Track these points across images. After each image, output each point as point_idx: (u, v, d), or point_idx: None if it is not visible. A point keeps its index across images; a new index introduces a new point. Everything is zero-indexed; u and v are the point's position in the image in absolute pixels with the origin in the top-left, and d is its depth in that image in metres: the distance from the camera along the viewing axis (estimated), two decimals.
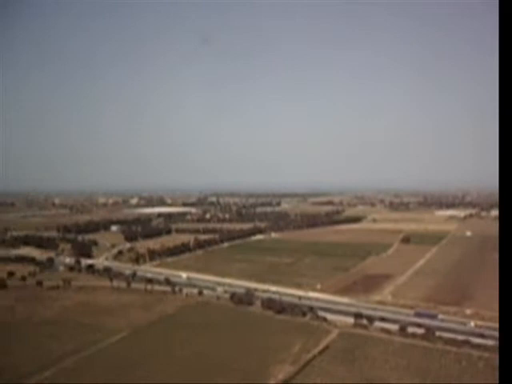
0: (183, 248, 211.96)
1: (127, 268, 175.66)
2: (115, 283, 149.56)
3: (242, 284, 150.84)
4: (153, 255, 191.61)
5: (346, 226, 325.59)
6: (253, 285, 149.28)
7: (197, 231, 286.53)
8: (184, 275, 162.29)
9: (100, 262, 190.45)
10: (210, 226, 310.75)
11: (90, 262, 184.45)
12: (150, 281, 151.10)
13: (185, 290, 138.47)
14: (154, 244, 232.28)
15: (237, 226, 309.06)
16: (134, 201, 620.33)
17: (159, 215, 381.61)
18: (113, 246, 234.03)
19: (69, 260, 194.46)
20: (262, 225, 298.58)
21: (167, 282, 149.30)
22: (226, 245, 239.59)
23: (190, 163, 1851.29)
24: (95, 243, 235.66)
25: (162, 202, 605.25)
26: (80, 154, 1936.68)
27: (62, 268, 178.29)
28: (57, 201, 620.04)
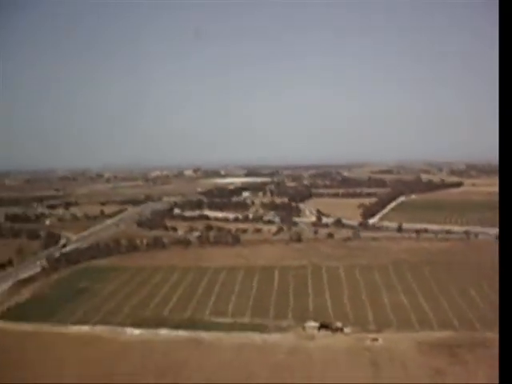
0: (377, 207, 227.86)
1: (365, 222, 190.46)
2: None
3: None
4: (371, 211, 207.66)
5: (456, 189, 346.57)
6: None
7: (335, 195, 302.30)
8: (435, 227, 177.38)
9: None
10: (348, 190, 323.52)
11: (331, 219, 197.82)
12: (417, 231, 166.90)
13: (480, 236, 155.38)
14: (325, 204, 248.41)
15: (363, 190, 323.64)
16: (189, 172, 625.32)
17: (264, 184, 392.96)
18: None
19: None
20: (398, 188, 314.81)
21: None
22: (392, 204, 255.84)
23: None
24: None
25: (218, 174, 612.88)
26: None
27: (304, 226, 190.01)
28: (107, 174, 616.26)
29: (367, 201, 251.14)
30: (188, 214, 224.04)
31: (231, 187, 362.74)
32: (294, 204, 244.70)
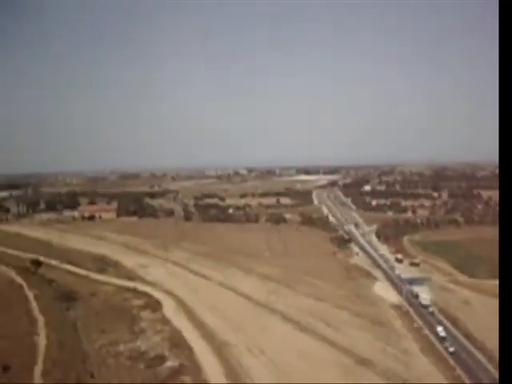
0: None
1: None
2: None
3: None
4: None
5: None
6: None
7: (460, 187, 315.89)
8: None
9: None
10: (470, 183, 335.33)
11: None
12: None
13: None
14: None
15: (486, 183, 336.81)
16: (243, 172, 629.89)
17: (361, 181, 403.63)
18: None
19: None
20: None
21: None
22: None
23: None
24: None
25: (274, 173, 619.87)
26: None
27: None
28: (171, 174, 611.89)
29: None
30: (380, 201, 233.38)
31: (341, 182, 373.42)
32: (475, 192, 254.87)
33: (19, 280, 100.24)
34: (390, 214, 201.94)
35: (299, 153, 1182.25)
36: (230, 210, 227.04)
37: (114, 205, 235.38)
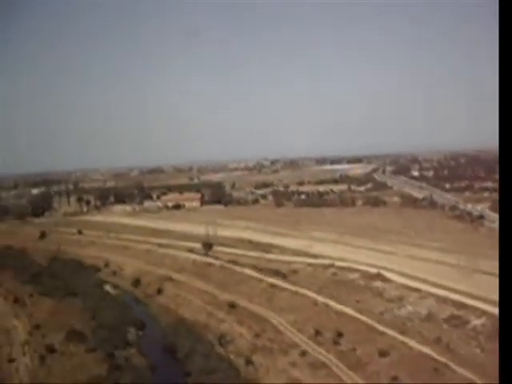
0: None
1: None
2: None
3: None
4: None
5: None
6: None
7: None
8: None
9: None
10: None
11: None
12: None
13: None
14: None
15: None
16: (267, 163, 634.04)
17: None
18: None
19: None
20: None
21: None
22: None
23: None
24: None
25: (297, 165, 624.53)
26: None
27: None
28: (196, 166, 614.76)
29: None
30: (452, 185, 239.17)
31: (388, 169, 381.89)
32: None
33: (214, 261, 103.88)
34: (467, 194, 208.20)
35: (313, 144, 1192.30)
36: (303, 196, 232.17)
37: (192, 195, 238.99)
